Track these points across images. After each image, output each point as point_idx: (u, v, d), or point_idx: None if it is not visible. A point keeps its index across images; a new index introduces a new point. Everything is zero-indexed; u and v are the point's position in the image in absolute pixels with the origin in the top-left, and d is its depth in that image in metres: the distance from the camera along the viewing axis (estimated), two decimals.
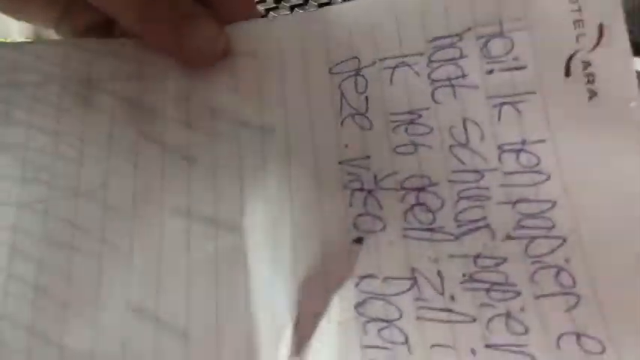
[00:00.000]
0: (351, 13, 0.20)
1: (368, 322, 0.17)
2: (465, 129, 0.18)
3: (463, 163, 0.18)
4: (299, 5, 0.59)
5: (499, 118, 0.18)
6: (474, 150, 0.18)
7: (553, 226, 0.17)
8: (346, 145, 0.19)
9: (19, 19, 0.25)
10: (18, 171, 0.20)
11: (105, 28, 0.24)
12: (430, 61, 0.19)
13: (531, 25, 0.18)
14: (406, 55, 0.19)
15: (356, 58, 0.20)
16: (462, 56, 0.19)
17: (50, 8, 0.24)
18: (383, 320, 0.17)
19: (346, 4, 0.20)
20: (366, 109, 0.19)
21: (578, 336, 0.16)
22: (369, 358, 0.16)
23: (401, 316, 0.17)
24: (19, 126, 0.20)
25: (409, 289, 0.17)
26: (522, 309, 0.16)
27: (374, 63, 0.20)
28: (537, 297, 0.16)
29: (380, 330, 0.17)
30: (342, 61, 0.20)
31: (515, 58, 0.18)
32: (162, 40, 0.21)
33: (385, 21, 0.20)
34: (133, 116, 0.21)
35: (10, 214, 0.19)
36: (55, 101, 0.21)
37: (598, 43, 0.17)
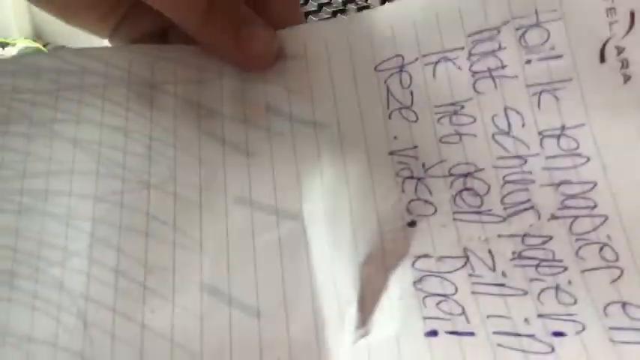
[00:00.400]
0: (392, 14, 0.22)
1: (426, 296, 0.18)
2: (507, 117, 0.19)
3: (506, 149, 0.19)
4: (341, 11, 0.60)
5: (539, 106, 0.19)
6: (516, 137, 0.19)
7: (595, 206, 0.18)
8: (395, 137, 0.21)
9: (73, 25, 0.27)
10: (93, 166, 0.22)
11: (159, 37, 0.26)
12: (470, 55, 0.20)
13: (566, 15, 0.19)
14: (447, 51, 0.21)
15: (400, 55, 0.21)
16: (500, 48, 0.20)
17: (108, 18, 0.26)
18: (440, 295, 0.18)
19: (387, 5, 0.22)
20: (412, 103, 0.21)
21: (624, 304, 0.17)
22: (430, 328, 0.18)
23: (456, 291, 0.18)
24: (92, 124, 0.22)
25: (463, 267, 0.18)
26: (570, 282, 0.17)
27: (416, 59, 0.21)
28: (583, 271, 0.17)
29: (438, 303, 0.18)
30: (386, 59, 0.21)
31: (552, 48, 0.19)
32: (222, 44, 0.22)
33: (425, 19, 0.21)
34: (193, 115, 0.22)
35: (88, 205, 0.21)
36: (122, 102, 0.23)
37: (630, 30, 0.18)
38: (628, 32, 0.19)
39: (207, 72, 0.23)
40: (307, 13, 0.59)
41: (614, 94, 0.18)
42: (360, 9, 0.59)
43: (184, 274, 0.20)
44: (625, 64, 0.18)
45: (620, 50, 0.19)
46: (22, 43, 0.95)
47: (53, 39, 1.49)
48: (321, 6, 0.60)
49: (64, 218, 0.21)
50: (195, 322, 0.19)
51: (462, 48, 0.20)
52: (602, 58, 0.19)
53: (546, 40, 0.19)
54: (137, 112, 0.22)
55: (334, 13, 0.58)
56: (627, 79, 0.18)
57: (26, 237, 0.21)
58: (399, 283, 0.19)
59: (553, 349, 0.17)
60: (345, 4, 0.61)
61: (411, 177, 0.20)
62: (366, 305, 0.19)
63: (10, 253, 0.20)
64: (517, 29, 0.20)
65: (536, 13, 0.20)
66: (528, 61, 0.20)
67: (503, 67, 0.20)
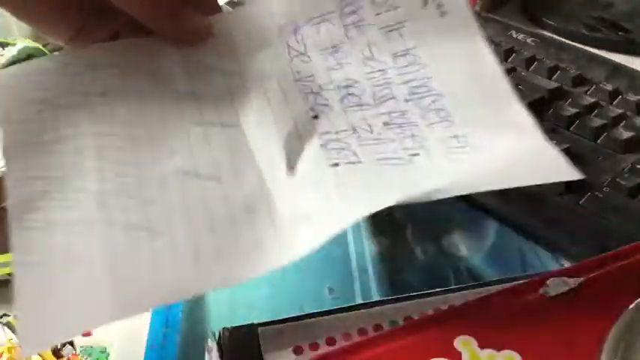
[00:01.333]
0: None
1: (330, 149, 0.29)
2: (369, 49, 0.31)
3: (372, 67, 0.30)
4: None
5: (388, 40, 0.30)
6: (378, 59, 0.31)
7: (431, 90, 0.29)
8: (298, 72, 0.31)
9: (36, 29, 0.33)
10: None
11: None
12: (341, 15, 0.31)
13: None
14: (325, 14, 0.31)
15: (294, 22, 0.32)
16: (358, 8, 0.31)
17: (66, 27, 0.31)
18: (338, 148, 0.29)
19: None
20: (305, 51, 0.32)
21: (455, 137, 0.28)
22: (333, 162, 0.28)
23: (349, 145, 0.29)
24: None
25: (352, 134, 0.29)
26: (421, 131, 0.29)
27: (306, 22, 0.31)
28: (427, 125, 0.29)
29: (338, 151, 0.29)
30: (284, 25, 0.32)
31: (392, 4, 0.30)
32: (166, 23, 0.30)
33: None
34: (158, 80, 0.31)
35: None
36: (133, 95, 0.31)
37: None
38: None
39: (157, 51, 0.32)
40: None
41: (435, 25, 0.29)
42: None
43: (162, 166, 0.29)
44: (440, 5, 0.29)
45: None
46: (22, 43, 0.95)
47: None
48: None
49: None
50: (175, 196, 0.28)
51: (334, 11, 0.31)
52: (425, 3, 0.30)
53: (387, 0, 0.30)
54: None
55: None
56: (443, 14, 0.29)
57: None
58: (311, 147, 0.29)
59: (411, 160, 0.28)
60: None
61: (312, 92, 0.31)
62: (291, 160, 0.29)
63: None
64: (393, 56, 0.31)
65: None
66: (378, 14, 0.31)
67: (362, 20, 0.31)
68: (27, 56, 0.92)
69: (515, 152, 0.26)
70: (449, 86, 0.29)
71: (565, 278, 0.27)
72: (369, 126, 0.29)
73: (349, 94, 0.30)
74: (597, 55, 0.51)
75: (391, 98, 0.30)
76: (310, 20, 0.31)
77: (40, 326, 0.23)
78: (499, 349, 0.25)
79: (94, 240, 0.26)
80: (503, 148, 0.27)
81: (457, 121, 0.28)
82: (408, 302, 0.29)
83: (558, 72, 0.49)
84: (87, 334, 0.60)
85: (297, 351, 0.27)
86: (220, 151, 0.29)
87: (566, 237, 0.36)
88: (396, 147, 0.28)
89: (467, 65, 0.29)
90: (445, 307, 0.29)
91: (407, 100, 0.29)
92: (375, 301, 0.29)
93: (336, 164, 0.28)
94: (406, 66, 0.30)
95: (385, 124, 0.29)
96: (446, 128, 0.28)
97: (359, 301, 0.34)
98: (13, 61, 0.91)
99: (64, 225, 0.26)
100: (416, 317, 0.28)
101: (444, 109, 0.29)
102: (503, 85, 0.28)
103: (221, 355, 0.27)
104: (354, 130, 0.29)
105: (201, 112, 0.31)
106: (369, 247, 0.38)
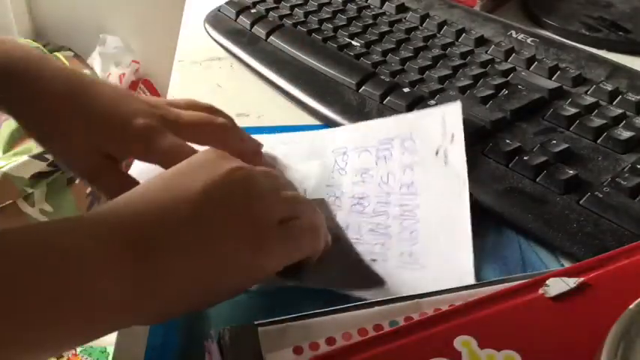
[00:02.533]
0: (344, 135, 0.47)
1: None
2: (387, 176, 0.42)
3: (382, 189, 0.41)
4: (299, 5, 0.62)
5: (404, 172, 0.41)
6: (389, 185, 0.41)
7: (415, 215, 0.39)
8: (332, 178, 0.44)
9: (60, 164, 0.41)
10: None
11: None
12: (377, 150, 0.43)
13: (419, 134, 0.42)
14: (366, 147, 0.44)
15: (345, 147, 0.45)
16: (392, 147, 0.43)
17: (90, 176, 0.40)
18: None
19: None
20: (345, 165, 0.44)
21: (410, 253, 0.37)
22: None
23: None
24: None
25: (345, 228, 0.40)
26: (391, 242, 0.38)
27: (351, 150, 0.45)
28: (398, 240, 0.38)
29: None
30: (337, 148, 0.46)
31: (413, 150, 0.42)
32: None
33: (360, 132, 0.46)
34: None
35: None
36: None
37: (451, 141, 0.40)
38: (450, 143, 0.40)
39: None
40: (307, 13, 0.60)
41: (438, 169, 0.40)
42: (360, 9, 0.60)
43: None
44: (446, 157, 0.40)
45: (445, 150, 0.40)
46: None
47: (53, 39, 1.50)
48: (321, 6, 0.61)
49: None
50: None
51: (374, 146, 0.43)
52: (436, 153, 0.41)
53: (412, 146, 0.42)
54: None
55: (334, 13, 0.59)
56: (446, 163, 0.40)
57: None
58: None
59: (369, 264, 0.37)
60: (345, 3, 0.61)
61: (334, 196, 0.42)
62: None
63: None
64: (402, 140, 0.42)
65: (410, 134, 0.42)
66: (402, 153, 0.42)
67: (390, 155, 0.42)
68: None
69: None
70: (427, 216, 0.38)
71: (565, 278, 0.27)
72: (359, 229, 0.39)
73: (358, 204, 0.41)
74: (597, 55, 0.51)
75: (384, 214, 0.39)
76: (356, 148, 0.44)
77: None
78: (499, 349, 0.25)
79: None
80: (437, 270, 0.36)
81: (419, 243, 0.37)
82: (408, 302, 0.29)
83: (558, 72, 0.49)
84: None
85: (297, 351, 0.27)
86: None
87: (566, 237, 0.36)
88: (366, 249, 0.38)
89: (447, 204, 0.38)
90: (445, 307, 0.29)
91: (395, 218, 0.39)
92: (375, 301, 0.29)
93: None
94: (406, 194, 0.40)
95: (370, 230, 0.39)
96: (409, 246, 0.37)
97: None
98: None
99: None
100: (416, 317, 0.28)
101: (416, 231, 0.38)
102: (466, 228, 0.37)
103: (221, 355, 0.27)
104: (347, 227, 0.40)
105: None
106: None
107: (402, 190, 0.40)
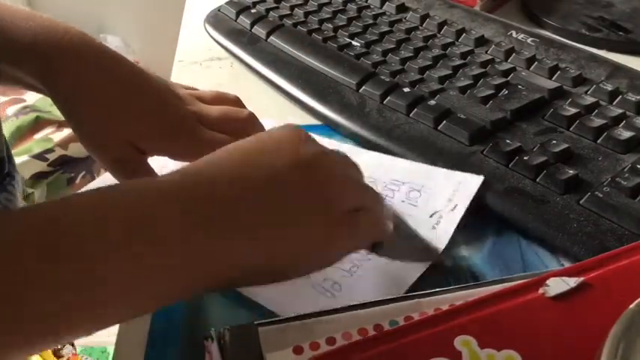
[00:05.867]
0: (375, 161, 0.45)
1: None
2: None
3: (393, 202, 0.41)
4: (299, 5, 0.62)
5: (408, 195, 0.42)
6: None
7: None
8: None
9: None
10: None
11: None
12: (385, 186, 0.43)
13: (425, 191, 0.41)
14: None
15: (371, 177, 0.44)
16: (396, 191, 0.42)
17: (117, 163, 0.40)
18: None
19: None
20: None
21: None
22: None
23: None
24: None
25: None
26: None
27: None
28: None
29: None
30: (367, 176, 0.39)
31: (414, 201, 0.41)
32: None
33: (381, 169, 0.45)
34: None
35: None
36: None
37: (451, 211, 0.39)
38: (449, 211, 0.39)
39: None
40: (307, 13, 0.60)
41: (425, 230, 0.38)
42: (360, 9, 0.60)
43: None
44: (437, 222, 0.39)
45: (440, 217, 0.39)
46: None
47: None
48: (321, 6, 0.61)
49: None
50: None
51: (384, 181, 0.43)
52: (431, 216, 0.39)
53: (415, 198, 0.41)
54: None
55: (334, 13, 0.59)
56: (434, 227, 0.39)
57: None
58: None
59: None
60: (345, 3, 0.61)
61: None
62: None
63: None
64: (410, 188, 0.42)
65: (422, 186, 0.42)
66: (403, 201, 0.41)
67: (393, 197, 0.42)
68: None
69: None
70: (429, 184, 0.41)
71: (565, 278, 0.27)
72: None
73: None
74: (597, 55, 0.51)
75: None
76: (367, 177, 0.37)
77: None
78: (499, 348, 0.25)
79: None
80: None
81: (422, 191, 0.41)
82: (408, 302, 0.29)
83: (558, 72, 0.49)
84: None
85: (297, 351, 0.27)
86: None
87: (566, 237, 0.36)
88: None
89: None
90: (445, 307, 0.29)
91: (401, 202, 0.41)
92: (375, 301, 0.29)
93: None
94: (405, 201, 0.41)
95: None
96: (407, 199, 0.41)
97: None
98: None
99: None
100: (416, 317, 0.28)
101: (418, 191, 0.41)
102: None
103: (221, 355, 0.27)
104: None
105: None
106: None
107: (403, 209, 0.40)
